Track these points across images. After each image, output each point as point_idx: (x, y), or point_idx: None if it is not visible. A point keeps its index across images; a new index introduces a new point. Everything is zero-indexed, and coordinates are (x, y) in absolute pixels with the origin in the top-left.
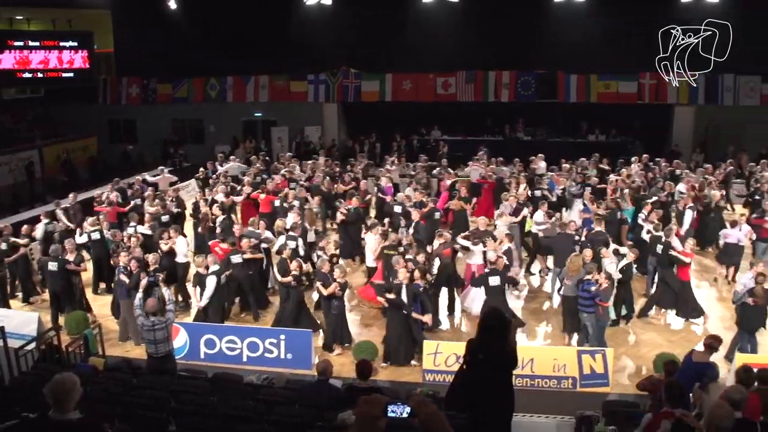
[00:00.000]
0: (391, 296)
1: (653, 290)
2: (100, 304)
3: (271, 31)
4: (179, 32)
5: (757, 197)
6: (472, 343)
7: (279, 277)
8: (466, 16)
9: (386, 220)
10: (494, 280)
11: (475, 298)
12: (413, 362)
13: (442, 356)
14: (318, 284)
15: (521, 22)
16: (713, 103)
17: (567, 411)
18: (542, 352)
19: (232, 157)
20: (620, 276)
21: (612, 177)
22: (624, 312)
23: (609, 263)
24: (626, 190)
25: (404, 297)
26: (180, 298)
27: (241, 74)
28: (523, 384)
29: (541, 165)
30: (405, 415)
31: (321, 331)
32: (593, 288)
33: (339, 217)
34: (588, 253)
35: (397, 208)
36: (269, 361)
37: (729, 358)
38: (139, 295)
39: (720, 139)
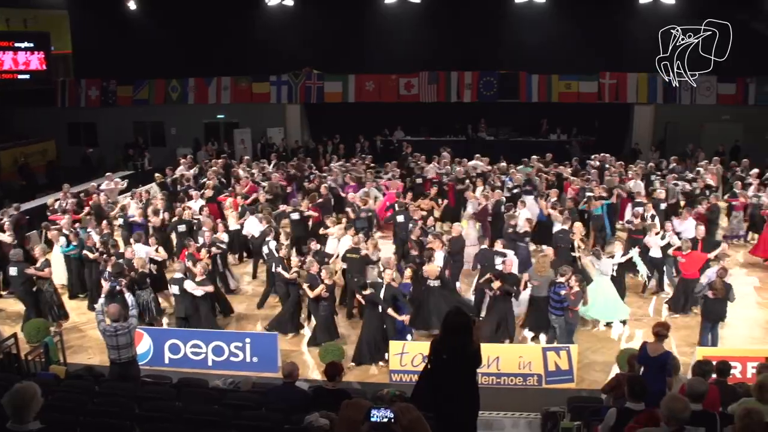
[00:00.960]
0: (367, 292)
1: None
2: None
3: (233, 32)
4: (139, 33)
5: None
6: (436, 343)
7: (285, 275)
8: (428, 17)
9: (345, 220)
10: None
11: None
12: (380, 363)
13: (409, 356)
14: (305, 286)
15: (483, 22)
16: (671, 102)
17: (533, 408)
18: (507, 350)
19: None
20: (614, 274)
21: (570, 176)
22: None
23: (605, 261)
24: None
25: (382, 297)
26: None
27: (203, 76)
28: (488, 382)
29: (477, 164)
30: (387, 419)
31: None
32: (563, 292)
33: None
34: (550, 252)
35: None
36: (235, 365)
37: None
38: (102, 300)
39: (678, 137)
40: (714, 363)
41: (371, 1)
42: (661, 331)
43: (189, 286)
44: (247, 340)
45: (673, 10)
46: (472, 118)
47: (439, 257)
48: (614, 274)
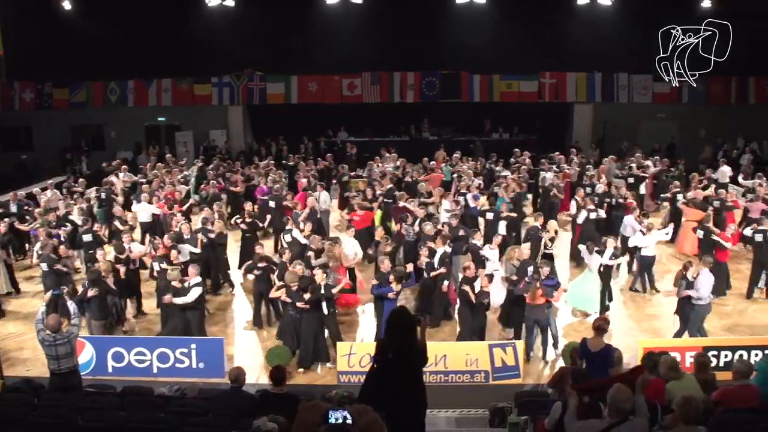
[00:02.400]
0: (308, 295)
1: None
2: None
3: (172, 33)
4: (75, 33)
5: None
6: (381, 343)
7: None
8: (370, 17)
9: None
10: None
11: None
12: (328, 365)
13: (356, 357)
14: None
15: (425, 23)
16: (609, 101)
17: (480, 404)
18: (454, 348)
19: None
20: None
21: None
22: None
23: (595, 256)
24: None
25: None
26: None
27: (143, 78)
28: (436, 380)
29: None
30: (344, 421)
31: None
32: (553, 282)
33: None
34: (526, 247)
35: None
36: (181, 372)
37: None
38: (42, 308)
39: (616, 135)
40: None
41: (313, 1)
42: (602, 325)
43: (179, 301)
44: (193, 346)
45: (610, 11)
46: (415, 119)
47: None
48: (601, 270)
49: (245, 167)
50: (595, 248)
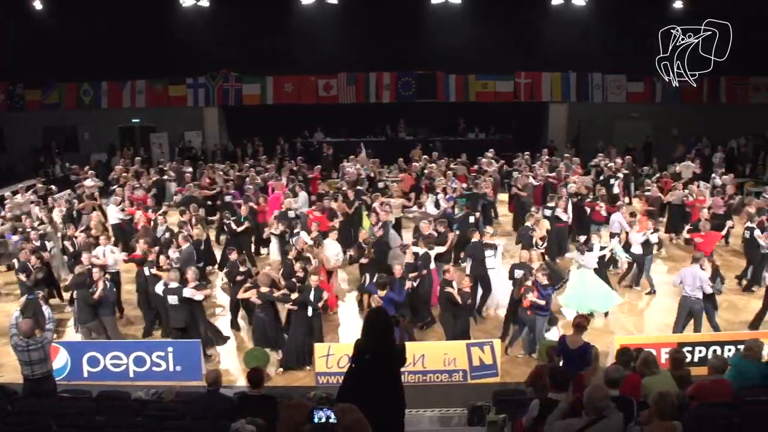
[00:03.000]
0: (295, 296)
1: None
2: None
3: (147, 33)
4: (47, 34)
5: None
6: (359, 343)
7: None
8: (345, 17)
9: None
10: None
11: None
12: (307, 367)
13: (334, 358)
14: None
15: (401, 23)
16: (584, 100)
17: (459, 403)
18: (432, 348)
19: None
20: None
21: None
22: None
23: (588, 254)
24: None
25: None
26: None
27: (117, 79)
28: (415, 380)
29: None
30: (329, 420)
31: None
32: (550, 292)
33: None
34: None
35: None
36: (158, 375)
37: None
38: (16, 313)
39: (591, 134)
40: (632, 351)
41: (289, 1)
42: (581, 322)
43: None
44: (170, 349)
45: (584, 11)
46: (391, 119)
47: None
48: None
49: (210, 170)
50: (585, 248)
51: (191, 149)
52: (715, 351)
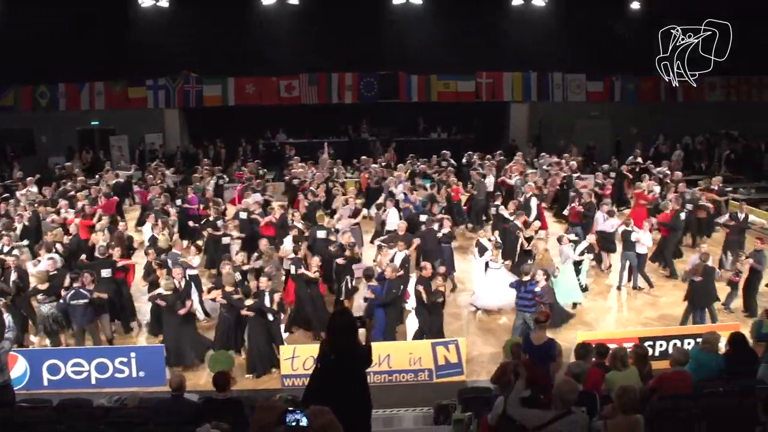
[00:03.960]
0: (250, 302)
1: None
2: None
3: (105, 34)
4: (1, 35)
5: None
6: (324, 344)
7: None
8: (307, 18)
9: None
10: None
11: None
12: (273, 369)
13: (300, 360)
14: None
15: (362, 24)
16: (545, 99)
17: (425, 402)
18: (397, 348)
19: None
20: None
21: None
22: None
23: (568, 248)
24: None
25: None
26: None
27: (75, 81)
28: (381, 380)
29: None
30: (299, 424)
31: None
32: (537, 289)
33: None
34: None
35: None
36: (121, 381)
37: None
38: None
39: (552, 133)
40: (593, 346)
41: (249, 2)
42: (539, 318)
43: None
44: (132, 354)
45: (544, 11)
46: (353, 119)
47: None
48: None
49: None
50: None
51: (154, 152)
52: (675, 344)
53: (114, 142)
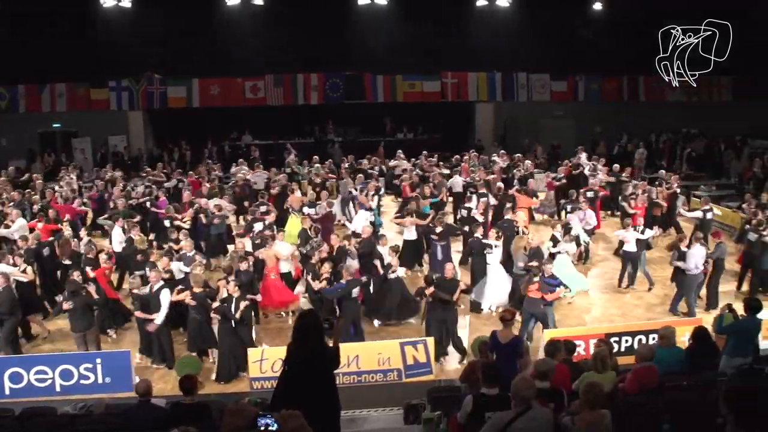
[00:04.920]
0: (216, 305)
1: None
2: None
3: (66, 34)
4: None
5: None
6: (291, 347)
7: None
8: (272, 19)
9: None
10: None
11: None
12: (242, 373)
13: (268, 362)
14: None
15: (327, 24)
16: (509, 99)
17: (395, 402)
18: (366, 348)
19: None
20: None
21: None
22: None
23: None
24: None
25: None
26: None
27: (35, 82)
28: (350, 381)
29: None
30: (268, 428)
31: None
32: (555, 282)
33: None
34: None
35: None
36: (86, 388)
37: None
38: None
39: (517, 132)
40: (561, 342)
41: (213, 2)
42: (505, 315)
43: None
44: (98, 360)
45: (508, 12)
46: (319, 120)
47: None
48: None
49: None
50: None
51: (116, 154)
52: (640, 340)
53: (77, 144)
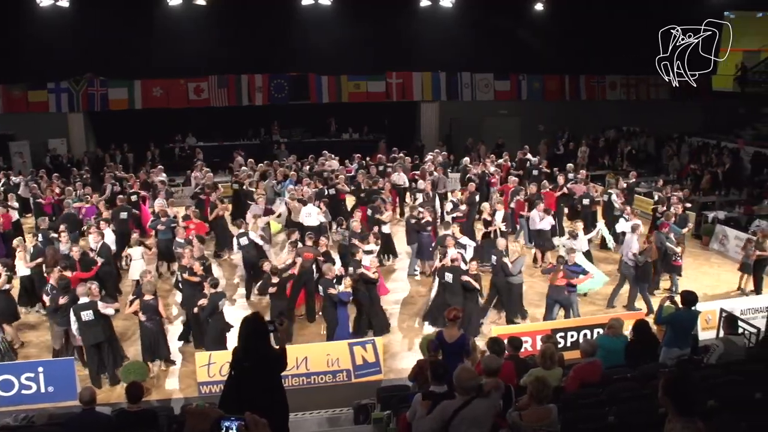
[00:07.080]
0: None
1: None
2: None
3: (1, 35)
4: None
5: None
6: (237, 350)
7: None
8: (215, 19)
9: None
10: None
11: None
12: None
13: (216, 366)
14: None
15: (271, 25)
16: (454, 99)
17: (344, 403)
18: (314, 349)
19: None
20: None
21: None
22: None
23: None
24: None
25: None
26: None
27: None
28: (299, 383)
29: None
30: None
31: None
32: (579, 269)
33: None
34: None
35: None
36: (28, 398)
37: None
38: None
39: (462, 132)
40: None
41: (155, 2)
42: (456, 314)
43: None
44: (40, 369)
45: (451, 12)
46: (264, 122)
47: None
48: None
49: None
50: (573, 234)
51: (59, 157)
52: (585, 335)
53: (15, 148)
